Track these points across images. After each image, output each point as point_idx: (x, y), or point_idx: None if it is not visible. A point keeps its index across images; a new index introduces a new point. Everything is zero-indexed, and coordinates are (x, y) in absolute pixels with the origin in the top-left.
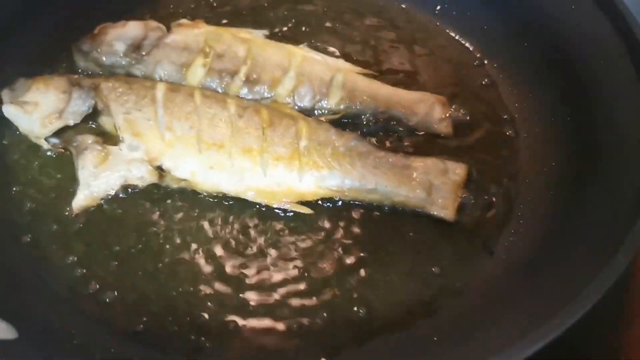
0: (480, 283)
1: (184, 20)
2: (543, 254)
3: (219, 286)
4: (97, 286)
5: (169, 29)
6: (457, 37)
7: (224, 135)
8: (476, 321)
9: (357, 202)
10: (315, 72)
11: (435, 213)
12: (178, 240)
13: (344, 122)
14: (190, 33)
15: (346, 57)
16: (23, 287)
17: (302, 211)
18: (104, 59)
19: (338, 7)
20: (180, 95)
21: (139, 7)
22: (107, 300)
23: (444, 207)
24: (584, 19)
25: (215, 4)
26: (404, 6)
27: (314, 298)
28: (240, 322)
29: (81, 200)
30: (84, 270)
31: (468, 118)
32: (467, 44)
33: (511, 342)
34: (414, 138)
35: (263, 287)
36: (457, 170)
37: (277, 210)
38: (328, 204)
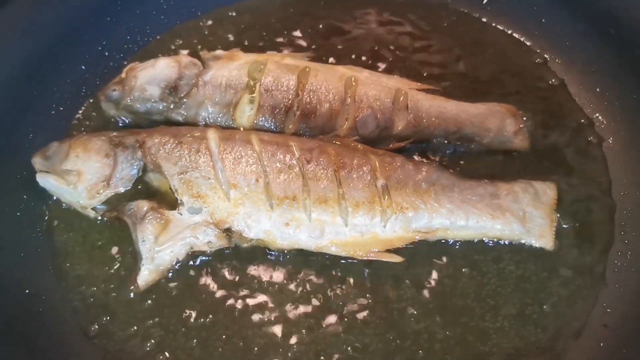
0: (600, 319)
1: (219, 52)
2: None
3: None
4: None
5: (203, 63)
6: (511, 33)
7: (295, 186)
8: None
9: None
10: (373, 95)
11: (533, 244)
12: (261, 306)
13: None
14: (230, 66)
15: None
16: None
17: (392, 260)
18: (138, 106)
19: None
20: (237, 144)
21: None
22: None
23: (541, 237)
24: None
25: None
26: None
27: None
28: None
29: (146, 276)
30: (167, 355)
31: (541, 128)
32: (523, 40)
33: None
34: (484, 157)
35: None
36: (548, 191)
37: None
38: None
